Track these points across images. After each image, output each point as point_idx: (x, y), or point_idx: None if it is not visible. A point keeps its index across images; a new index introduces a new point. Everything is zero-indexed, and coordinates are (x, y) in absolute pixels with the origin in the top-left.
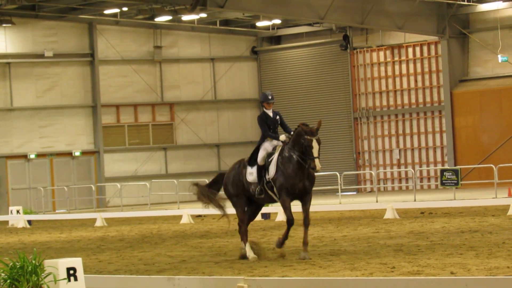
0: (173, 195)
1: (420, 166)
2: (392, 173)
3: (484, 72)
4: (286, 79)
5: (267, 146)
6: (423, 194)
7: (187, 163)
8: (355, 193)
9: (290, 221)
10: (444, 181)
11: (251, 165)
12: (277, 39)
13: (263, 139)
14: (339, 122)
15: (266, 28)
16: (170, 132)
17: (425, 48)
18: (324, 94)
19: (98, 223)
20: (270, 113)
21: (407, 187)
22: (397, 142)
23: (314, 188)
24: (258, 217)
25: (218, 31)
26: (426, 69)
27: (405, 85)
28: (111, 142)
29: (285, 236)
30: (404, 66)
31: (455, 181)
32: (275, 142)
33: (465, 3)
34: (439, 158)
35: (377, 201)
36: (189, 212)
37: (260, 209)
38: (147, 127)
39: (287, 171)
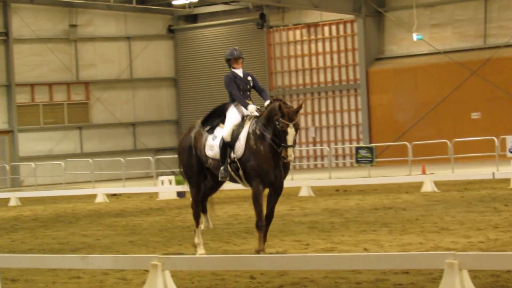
0: (88, 174)
1: (336, 144)
2: (307, 151)
3: (399, 50)
4: (203, 58)
5: (234, 114)
6: (338, 172)
7: (103, 142)
8: None
9: (260, 225)
10: (359, 159)
11: (210, 132)
12: (194, 18)
13: (232, 101)
14: (255, 100)
15: (183, 6)
16: (85, 111)
17: (341, 27)
18: None
19: (12, 203)
20: (240, 73)
21: (322, 165)
22: (313, 120)
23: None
24: (173, 195)
25: (134, 10)
26: (342, 48)
27: (321, 64)
28: (25, 122)
29: (260, 244)
30: (320, 44)
31: (370, 159)
32: (244, 110)
33: None
34: (354, 136)
35: (292, 179)
36: (104, 191)
37: (220, 185)
38: (62, 106)
39: (259, 153)
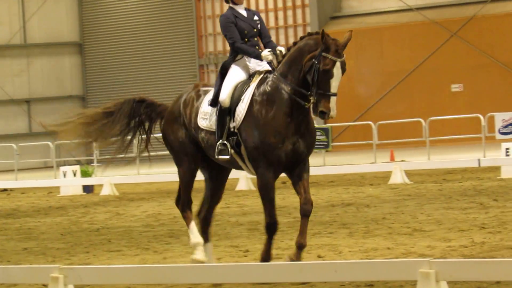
0: None
1: None
2: None
3: (360, 6)
4: (115, 20)
5: (238, 70)
6: None
7: None
8: None
9: (271, 226)
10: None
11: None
12: None
13: (232, 58)
14: (181, 71)
15: None
16: None
17: None
18: (163, 36)
19: None
20: (243, 11)
21: None
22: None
23: (146, 154)
24: (79, 189)
25: None
26: (289, 4)
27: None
28: None
29: (267, 252)
30: (262, 0)
31: (325, 143)
32: (252, 63)
33: None
34: None
35: None
36: None
37: (225, 180)
38: None
39: (265, 120)
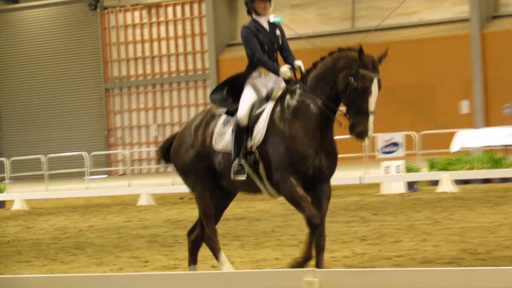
0: None
1: None
2: (148, 153)
3: None
4: (27, 45)
5: (255, 88)
6: None
7: None
8: (105, 176)
9: (313, 218)
10: None
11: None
12: None
13: (251, 70)
14: (88, 94)
15: None
16: None
17: (187, 8)
18: (71, 61)
19: None
20: (265, 23)
21: (166, 169)
22: (155, 116)
23: (52, 172)
24: None
25: None
26: (189, 32)
27: (164, 51)
28: None
29: (308, 254)
30: (163, 28)
31: None
32: (272, 79)
33: None
34: None
35: (129, 186)
36: None
37: (226, 206)
38: None
39: (294, 131)
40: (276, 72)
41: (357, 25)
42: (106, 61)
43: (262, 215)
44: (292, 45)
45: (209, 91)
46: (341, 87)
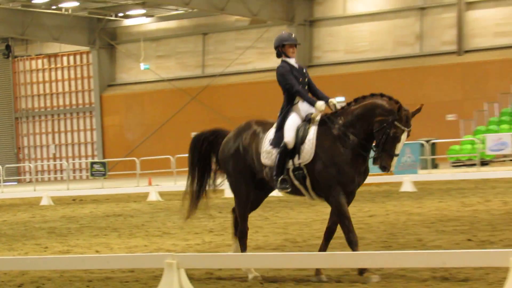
0: None
1: (73, 159)
2: (49, 166)
3: (129, 78)
4: None
5: (296, 115)
6: (76, 183)
7: None
8: (15, 183)
9: (353, 239)
10: (93, 172)
11: (269, 143)
12: None
13: (289, 103)
14: (1, 121)
15: None
16: None
17: (78, 57)
18: None
19: None
20: (294, 64)
21: (61, 178)
22: (53, 138)
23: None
24: None
25: None
26: (79, 75)
27: (60, 89)
28: None
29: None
30: (60, 72)
31: (103, 172)
32: (305, 107)
33: (113, 18)
34: (89, 153)
35: (35, 190)
36: None
37: (262, 201)
38: None
39: (340, 156)
40: (312, 104)
41: (206, 71)
42: (16, 97)
43: (135, 213)
44: (157, 86)
45: (94, 120)
46: (376, 128)
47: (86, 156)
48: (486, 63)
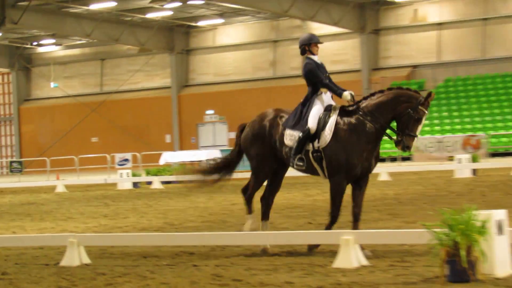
0: None
1: None
2: None
3: (42, 94)
4: None
5: (319, 104)
6: None
7: None
8: None
9: (336, 217)
10: (12, 169)
11: (292, 127)
12: None
13: (314, 94)
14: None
15: None
16: None
17: (0, 77)
18: None
19: None
20: (318, 61)
21: None
22: None
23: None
24: None
25: None
26: (1, 92)
27: None
28: None
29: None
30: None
31: (20, 169)
32: (326, 100)
33: (29, 46)
34: (9, 153)
35: None
36: None
37: (281, 179)
38: None
39: (351, 145)
40: (340, 95)
41: (104, 89)
42: None
43: (45, 201)
44: (63, 101)
45: (13, 128)
46: (401, 115)
47: (7, 156)
48: None
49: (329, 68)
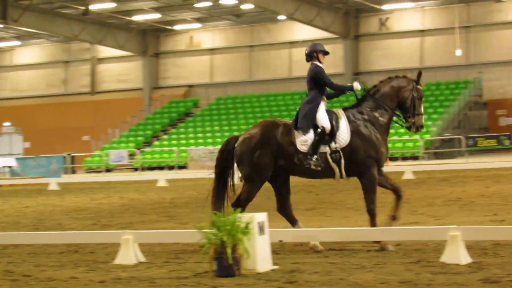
0: None
1: None
2: None
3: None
4: None
5: (324, 107)
6: None
7: None
8: None
9: (374, 212)
10: None
11: (303, 130)
12: None
13: (319, 96)
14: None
15: None
16: None
17: None
18: None
19: None
20: (323, 67)
21: None
22: None
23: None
24: None
25: None
26: None
27: None
28: None
29: (374, 225)
30: None
31: None
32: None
33: None
34: None
35: None
36: None
37: (288, 186)
38: None
39: (375, 138)
40: (351, 89)
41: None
42: None
43: None
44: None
45: None
46: (404, 99)
47: None
48: (111, 101)
49: (115, 86)
